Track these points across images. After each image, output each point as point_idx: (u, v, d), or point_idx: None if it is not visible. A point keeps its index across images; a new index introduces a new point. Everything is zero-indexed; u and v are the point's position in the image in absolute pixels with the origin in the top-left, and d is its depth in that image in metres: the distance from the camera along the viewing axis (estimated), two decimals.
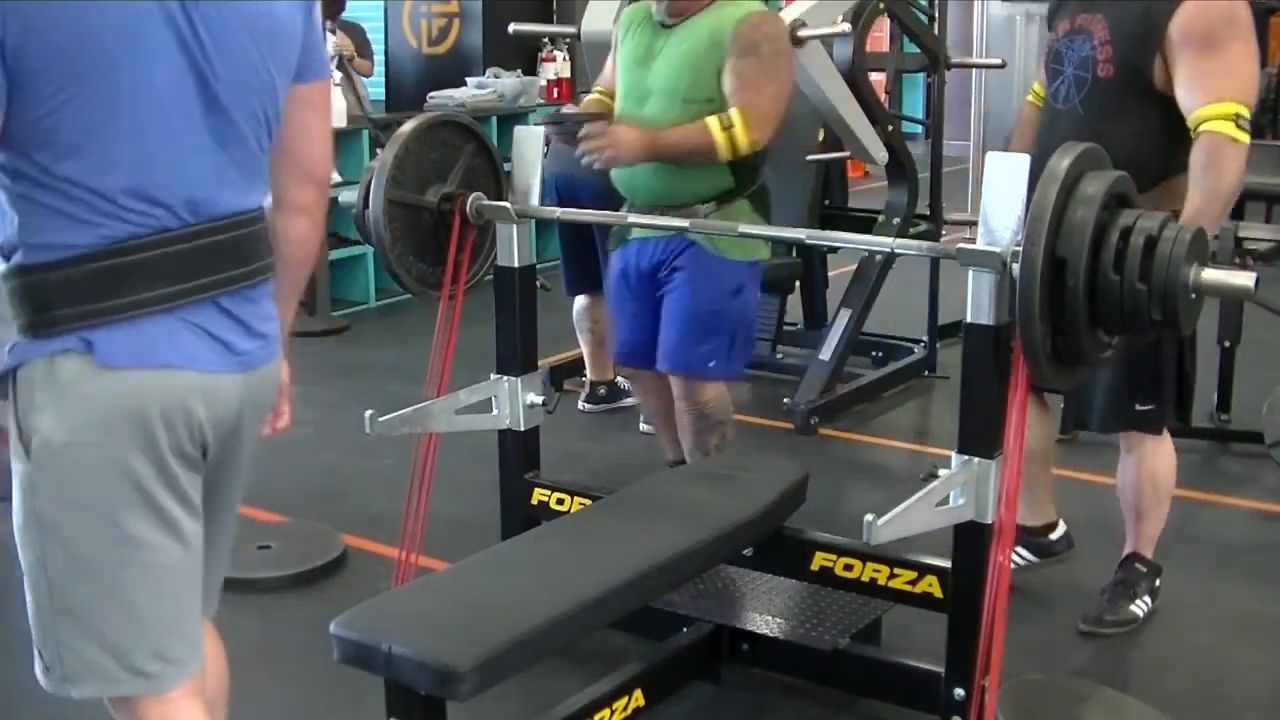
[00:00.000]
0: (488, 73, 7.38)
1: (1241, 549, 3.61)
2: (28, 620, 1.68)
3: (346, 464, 4.18)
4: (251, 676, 2.24)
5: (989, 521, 2.26)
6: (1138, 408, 2.95)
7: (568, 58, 7.79)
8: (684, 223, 2.92)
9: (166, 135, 1.58)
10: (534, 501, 2.97)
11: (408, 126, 2.83)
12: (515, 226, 2.85)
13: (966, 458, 2.26)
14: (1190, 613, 3.17)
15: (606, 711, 2.39)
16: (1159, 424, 2.99)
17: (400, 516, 2.89)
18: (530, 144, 2.91)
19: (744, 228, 2.89)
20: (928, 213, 5.09)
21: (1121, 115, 2.79)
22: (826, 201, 5.26)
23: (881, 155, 4.68)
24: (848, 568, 2.57)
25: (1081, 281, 2.06)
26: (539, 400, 2.95)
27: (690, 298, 3.20)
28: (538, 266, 3.04)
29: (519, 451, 2.97)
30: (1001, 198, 2.17)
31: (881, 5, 4.60)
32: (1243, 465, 4.24)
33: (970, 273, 2.22)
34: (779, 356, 5.14)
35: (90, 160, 1.53)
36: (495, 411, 2.92)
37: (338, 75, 6.35)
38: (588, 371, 4.74)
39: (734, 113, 3.04)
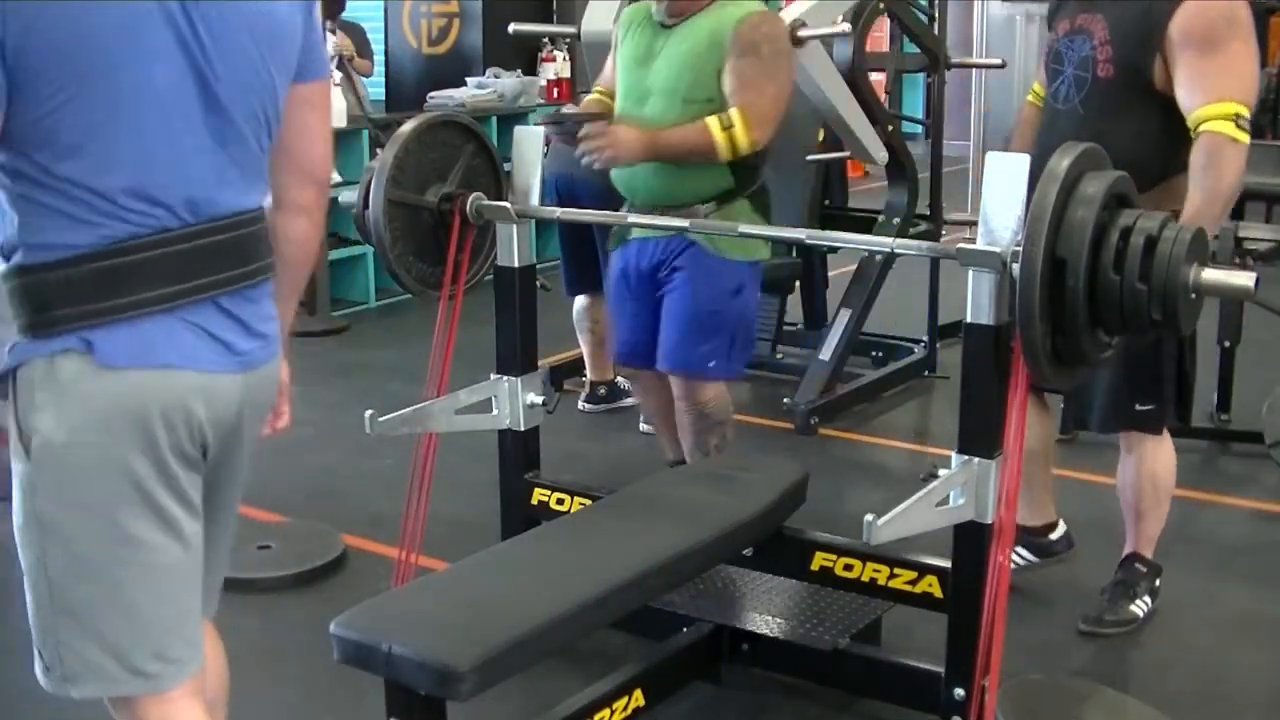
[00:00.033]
0: (488, 73, 7.38)
1: (1241, 549, 3.61)
2: (28, 620, 1.68)
3: (346, 464, 4.18)
4: (251, 676, 2.24)
5: (989, 521, 2.26)
6: (1138, 408, 2.95)
7: (568, 58, 7.79)
8: (684, 223, 2.92)
9: (167, 135, 1.58)
10: (534, 501, 2.97)
11: (408, 126, 2.83)
12: (515, 226, 2.85)
13: (966, 458, 2.26)
14: (1190, 613, 3.17)
15: (606, 711, 2.39)
16: (1159, 424, 2.99)
17: (400, 516, 2.89)
18: (530, 144, 2.91)
19: (744, 228, 2.88)
20: (928, 213, 5.09)
21: (1121, 115, 2.78)
22: (826, 201, 5.26)
23: (881, 155, 4.68)
24: (848, 568, 2.57)
25: (1081, 281, 2.06)
26: (539, 400, 2.95)
27: (690, 298, 3.20)
28: (538, 266, 3.04)
29: (519, 451, 2.97)
30: (1001, 198, 2.17)
31: (881, 5, 4.60)
32: (1243, 465, 4.24)
33: (970, 273, 2.22)
34: (779, 356, 5.14)
35: (90, 160, 1.53)
36: (495, 411, 2.92)
37: (338, 75, 6.35)
38: (588, 371, 4.74)
39: (734, 113, 3.04)
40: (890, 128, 4.68)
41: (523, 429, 2.94)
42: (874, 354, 5.20)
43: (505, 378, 2.91)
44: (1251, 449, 4.21)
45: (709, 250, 3.17)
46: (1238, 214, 5.27)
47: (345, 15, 7.32)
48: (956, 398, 2.30)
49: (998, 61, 5.91)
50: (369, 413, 2.68)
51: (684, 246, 3.19)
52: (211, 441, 1.68)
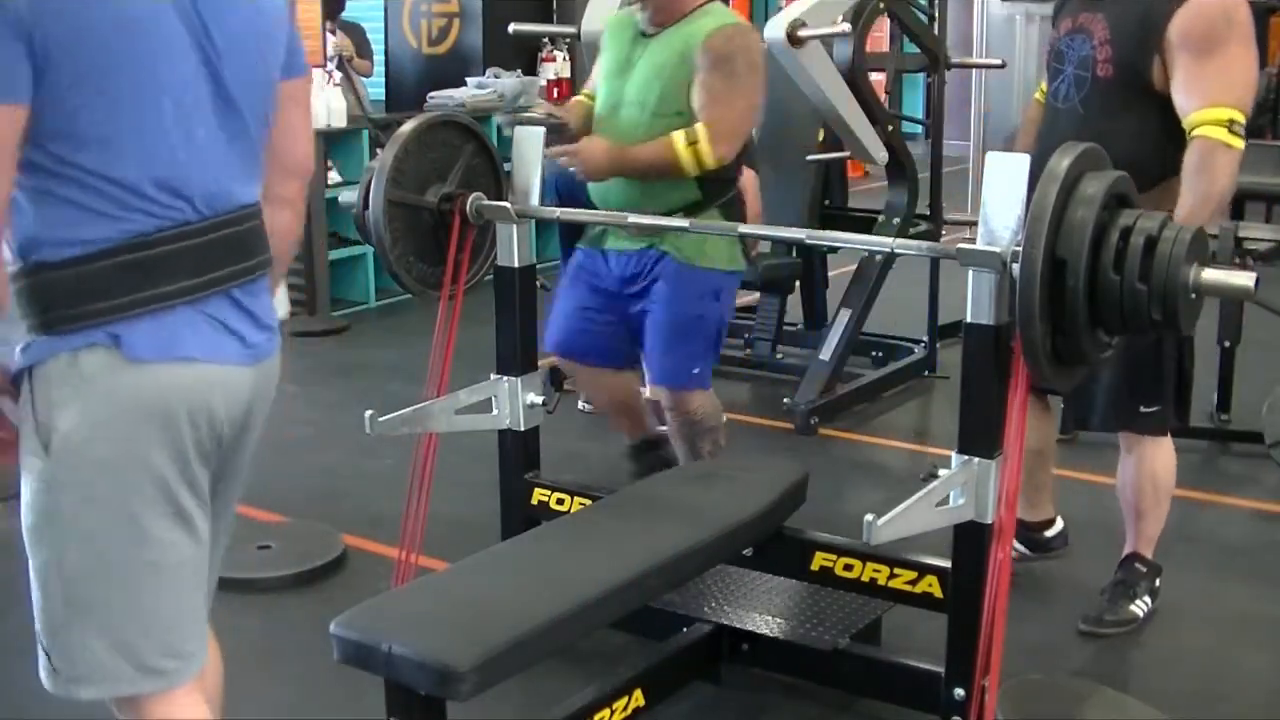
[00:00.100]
0: (488, 73, 7.38)
1: (1241, 549, 3.61)
2: (32, 620, 1.68)
3: (346, 464, 4.18)
4: (251, 676, 2.24)
5: (989, 521, 2.26)
6: (1142, 410, 2.95)
7: (568, 58, 7.80)
8: (684, 222, 2.92)
9: (185, 129, 1.61)
10: (534, 501, 2.97)
11: (408, 126, 2.83)
12: (515, 226, 2.85)
13: (966, 458, 2.26)
14: (1190, 613, 3.17)
15: (606, 711, 2.39)
16: (1163, 426, 2.99)
17: (400, 516, 2.89)
18: (530, 144, 2.91)
19: (743, 228, 2.89)
20: (928, 213, 5.09)
21: (1121, 115, 2.78)
22: (826, 201, 5.26)
23: (881, 155, 4.68)
24: (848, 568, 2.57)
25: (1081, 281, 2.05)
26: (539, 400, 2.95)
27: (669, 306, 3.20)
28: (538, 266, 3.04)
29: (519, 451, 2.97)
30: (1001, 198, 2.17)
31: (881, 5, 4.60)
32: (1243, 465, 4.24)
33: (970, 273, 2.22)
34: (779, 356, 5.15)
35: (116, 152, 1.56)
36: (495, 411, 2.92)
37: (338, 75, 6.35)
38: None
39: (699, 128, 3.03)
40: (890, 128, 4.68)
41: (523, 429, 2.94)
42: (874, 354, 5.20)
43: (505, 378, 2.91)
44: (1251, 449, 4.21)
45: (682, 261, 3.17)
46: (1238, 214, 5.28)
47: (345, 15, 7.32)
48: (956, 398, 2.30)
49: (998, 61, 5.92)
50: (369, 413, 2.68)
51: (657, 259, 3.19)
52: (225, 436, 1.69)
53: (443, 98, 6.94)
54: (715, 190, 3.18)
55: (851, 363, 4.88)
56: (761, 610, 2.78)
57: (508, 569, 2.29)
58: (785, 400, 4.56)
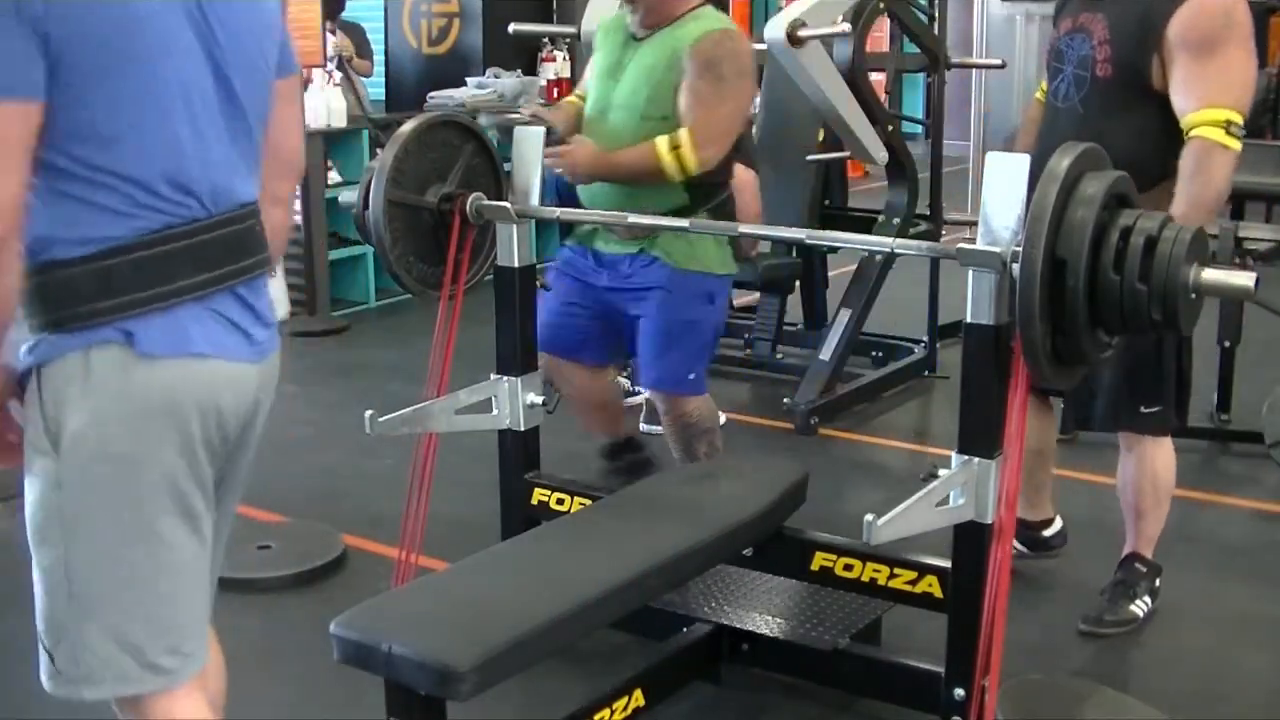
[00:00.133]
0: (488, 73, 7.37)
1: (1241, 549, 3.61)
2: (33, 620, 1.68)
3: (346, 464, 4.18)
4: (251, 676, 2.24)
5: (989, 521, 2.26)
6: (1142, 409, 2.95)
7: (568, 58, 7.79)
8: (684, 222, 2.91)
9: (193, 127, 1.62)
10: (534, 501, 2.97)
11: (408, 126, 2.83)
12: (515, 226, 2.85)
13: (966, 458, 2.26)
14: (1190, 613, 3.17)
15: (606, 711, 2.39)
16: (1164, 425, 2.99)
17: (400, 516, 2.89)
18: (530, 144, 2.91)
19: (743, 228, 2.89)
20: (928, 213, 5.09)
21: (1121, 115, 2.78)
22: (826, 201, 5.26)
23: (881, 155, 4.68)
24: (848, 568, 2.57)
25: (1081, 281, 2.05)
26: (539, 400, 2.95)
27: (662, 311, 3.20)
28: (538, 266, 3.04)
29: (519, 451, 2.97)
30: (1001, 198, 2.17)
31: (881, 5, 4.60)
32: (1243, 465, 4.24)
33: (970, 273, 2.22)
34: (779, 356, 5.15)
35: (128, 150, 1.56)
36: (495, 411, 2.92)
37: (338, 75, 6.35)
38: None
39: (683, 133, 3.03)
40: (890, 128, 4.67)
41: (523, 429, 2.94)
42: (874, 354, 5.20)
43: (505, 378, 2.91)
44: (1251, 449, 4.21)
45: (674, 266, 3.17)
46: (1238, 214, 5.27)
47: (345, 15, 7.32)
48: (956, 398, 2.30)
49: (998, 61, 5.92)
50: (369, 413, 2.68)
51: (648, 263, 3.19)
52: (231, 433, 1.70)
53: (443, 98, 6.94)
54: (703, 195, 3.18)
55: (851, 363, 4.88)
56: (761, 610, 2.78)
57: (508, 569, 2.29)
58: (785, 400, 4.56)
